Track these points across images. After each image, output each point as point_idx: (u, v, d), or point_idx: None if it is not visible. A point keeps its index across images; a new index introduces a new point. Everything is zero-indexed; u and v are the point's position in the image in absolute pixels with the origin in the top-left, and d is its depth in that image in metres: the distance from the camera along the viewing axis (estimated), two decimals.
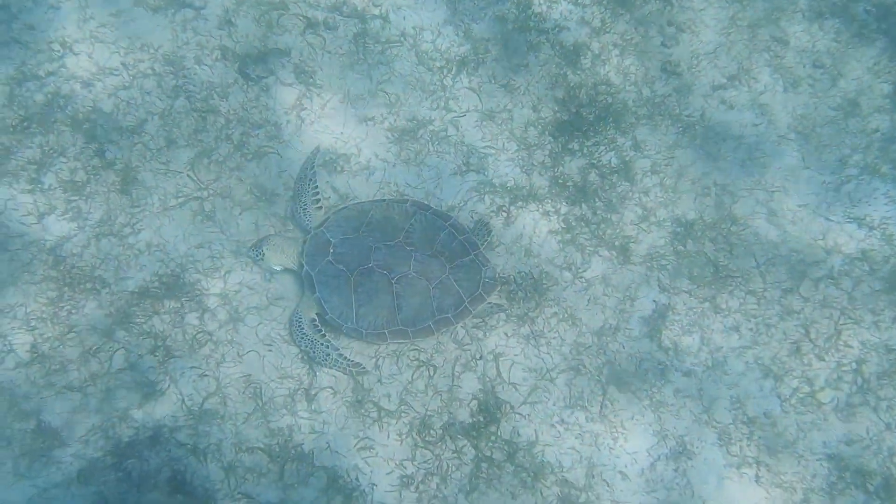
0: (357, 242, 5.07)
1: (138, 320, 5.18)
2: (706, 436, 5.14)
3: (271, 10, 5.89)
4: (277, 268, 5.27)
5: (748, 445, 5.11)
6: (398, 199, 5.30)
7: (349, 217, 5.18)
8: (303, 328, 5.13)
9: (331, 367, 5.12)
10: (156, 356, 5.13)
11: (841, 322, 5.38)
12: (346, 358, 5.10)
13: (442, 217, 5.17)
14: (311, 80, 5.78)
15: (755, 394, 5.24)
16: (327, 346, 5.09)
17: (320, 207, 5.35)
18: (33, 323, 5.13)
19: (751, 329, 5.37)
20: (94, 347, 5.11)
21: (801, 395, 5.23)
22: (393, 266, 5.00)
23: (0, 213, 5.34)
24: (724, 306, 5.41)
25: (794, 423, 5.17)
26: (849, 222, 5.65)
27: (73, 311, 5.19)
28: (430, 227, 5.13)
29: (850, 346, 5.33)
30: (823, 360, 5.31)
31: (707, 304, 5.41)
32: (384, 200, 5.25)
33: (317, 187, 5.39)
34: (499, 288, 5.27)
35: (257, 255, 5.23)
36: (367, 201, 5.29)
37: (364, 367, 5.13)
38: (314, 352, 5.12)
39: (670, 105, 5.87)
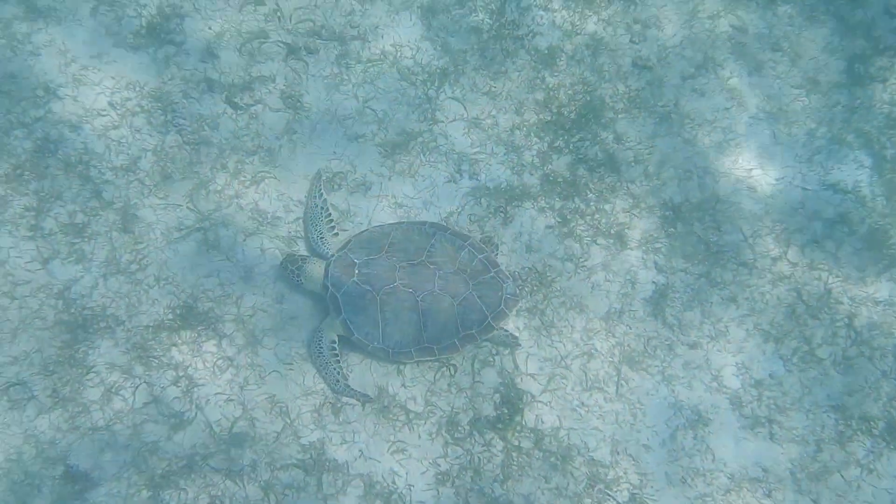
0: (381, 262, 5.13)
1: (157, 353, 5.21)
2: (719, 402, 5.40)
3: (252, 39, 6.00)
4: (310, 288, 5.30)
5: (759, 406, 5.40)
6: (416, 222, 5.40)
7: (371, 239, 5.25)
8: (321, 348, 5.22)
9: (336, 393, 5.24)
10: (179, 386, 5.17)
11: (829, 282, 5.73)
12: (352, 388, 5.21)
13: (460, 237, 5.26)
14: (298, 103, 5.90)
15: (759, 357, 5.53)
16: (338, 373, 5.21)
17: (336, 234, 5.45)
18: (51, 367, 5.11)
19: (747, 298, 5.67)
20: (116, 385, 5.12)
21: (801, 354, 5.54)
22: (418, 284, 5.08)
23: (4, 263, 5.31)
24: (719, 279, 5.69)
25: (797, 380, 5.48)
26: (824, 189, 6.01)
27: (90, 351, 5.19)
28: (450, 246, 5.21)
29: (841, 303, 5.67)
30: (818, 318, 5.64)
31: (703, 280, 5.69)
32: (402, 223, 5.37)
33: (330, 214, 5.48)
34: (519, 304, 5.46)
35: (294, 278, 5.26)
36: (387, 224, 5.41)
37: (369, 397, 5.23)
38: (326, 374, 5.24)
39: (645, 97, 6.18)
